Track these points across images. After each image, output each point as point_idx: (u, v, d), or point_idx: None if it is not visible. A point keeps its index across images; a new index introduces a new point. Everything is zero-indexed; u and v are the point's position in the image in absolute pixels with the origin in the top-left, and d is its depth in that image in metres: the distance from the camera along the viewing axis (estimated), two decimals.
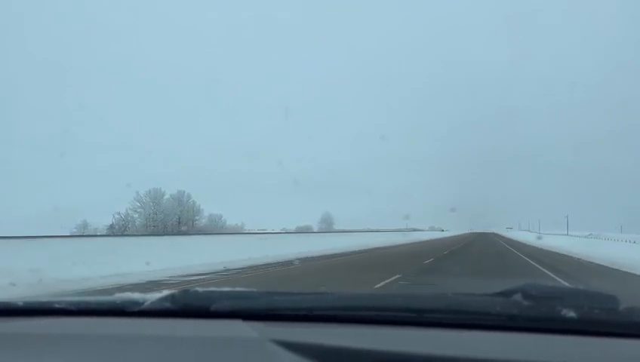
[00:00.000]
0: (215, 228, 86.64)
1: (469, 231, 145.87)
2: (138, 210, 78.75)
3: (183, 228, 75.93)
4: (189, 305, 1.48)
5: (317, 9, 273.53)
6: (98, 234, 62.86)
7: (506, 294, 1.34)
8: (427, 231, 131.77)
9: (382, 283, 11.14)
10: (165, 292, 1.53)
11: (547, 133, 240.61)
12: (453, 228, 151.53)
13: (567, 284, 10.56)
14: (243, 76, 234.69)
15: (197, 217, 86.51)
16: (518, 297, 1.30)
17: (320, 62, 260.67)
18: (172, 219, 79.75)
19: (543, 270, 16.39)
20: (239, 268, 15.84)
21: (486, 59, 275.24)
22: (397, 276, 12.76)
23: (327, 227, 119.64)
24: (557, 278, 13.10)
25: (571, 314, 1.21)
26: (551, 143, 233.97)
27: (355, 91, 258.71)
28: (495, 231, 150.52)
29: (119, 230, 72.64)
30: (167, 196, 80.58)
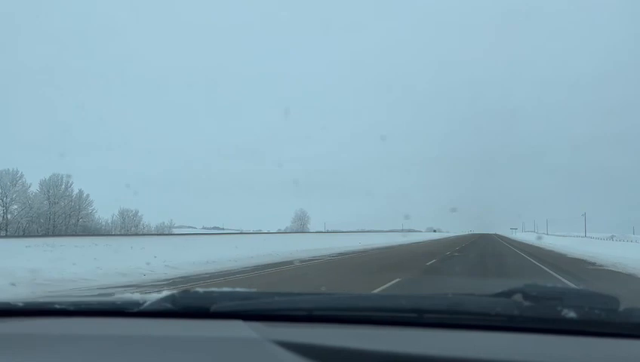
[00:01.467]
0: (127, 228, 69.95)
1: (469, 233, 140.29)
2: None
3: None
4: (189, 305, 1.48)
5: (317, 9, 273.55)
6: None
7: (506, 294, 1.34)
8: (424, 232, 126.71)
9: None
10: (165, 293, 1.53)
11: (548, 132, 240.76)
12: (454, 229, 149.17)
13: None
14: (243, 76, 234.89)
15: (85, 211, 64.67)
16: (518, 297, 1.31)
17: (320, 62, 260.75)
18: (33, 213, 57.65)
19: None
20: None
21: (486, 59, 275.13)
22: None
23: (301, 227, 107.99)
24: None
25: (571, 314, 1.22)
26: (553, 143, 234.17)
27: (355, 91, 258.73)
28: (498, 233, 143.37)
29: None
30: (32, 183, 57.96)
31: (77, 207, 63.91)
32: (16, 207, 57.62)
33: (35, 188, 60.19)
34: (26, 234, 52.08)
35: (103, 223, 70.58)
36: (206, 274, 13.53)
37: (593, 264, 19.47)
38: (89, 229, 63.43)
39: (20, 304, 1.55)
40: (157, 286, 10.68)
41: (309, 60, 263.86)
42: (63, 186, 62.40)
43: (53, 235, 48.24)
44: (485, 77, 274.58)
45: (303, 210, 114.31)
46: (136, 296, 1.57)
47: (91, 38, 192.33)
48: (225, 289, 1.64)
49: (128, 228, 71.82)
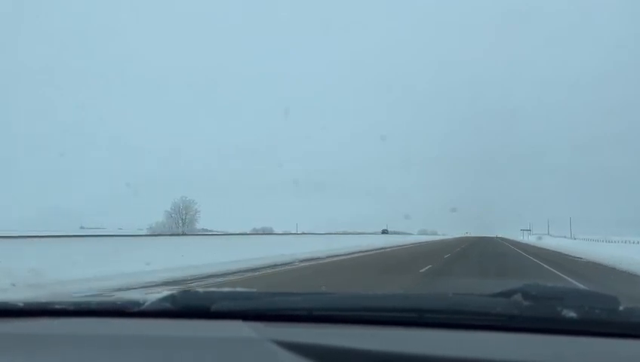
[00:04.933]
0: None
1: (465, 235, 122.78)
2: None
3: None
4: (189, 305, 1.48)
5: (317, 9, 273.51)
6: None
7: (506, 294, 1.34)
8: (416, 234, 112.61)
9: None
10: (165, 293, 1.53)
11: (548, 132, 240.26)
12: (454, 230, 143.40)
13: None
14: (243, 76, 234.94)
15: None
16: (518, 297, 1.30)
17: (320, 62, 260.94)
18: None
19: None
20: None
21: (486, 59, 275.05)
22: None
23: (178, 225, 66.69)
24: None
25: (571, 314, 1.22)
26: (553, 143, 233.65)
27: (355, 91, 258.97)
28: (500, 235, 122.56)
29: None
30: None
31: None
32: None
33: None
34: None
35: None
36: None
37: None
38: None
39: (20, 304, 1.55)
40: None
41: (309, 60, 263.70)
42: None
43: None
44: (485, 77, 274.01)
45: (187, 197, 69.69)
46: (136, 296, 1.57)
47: (91, 38, 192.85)
48: (225, 289, 1.64)
49: None
